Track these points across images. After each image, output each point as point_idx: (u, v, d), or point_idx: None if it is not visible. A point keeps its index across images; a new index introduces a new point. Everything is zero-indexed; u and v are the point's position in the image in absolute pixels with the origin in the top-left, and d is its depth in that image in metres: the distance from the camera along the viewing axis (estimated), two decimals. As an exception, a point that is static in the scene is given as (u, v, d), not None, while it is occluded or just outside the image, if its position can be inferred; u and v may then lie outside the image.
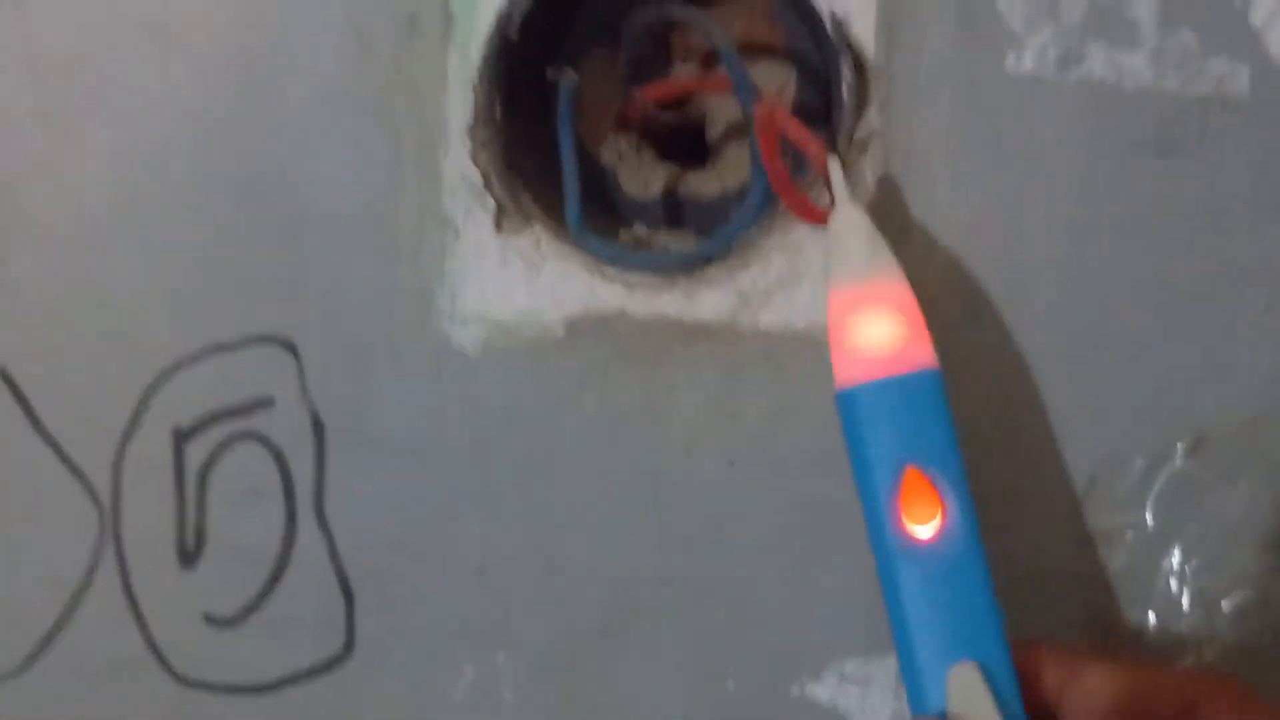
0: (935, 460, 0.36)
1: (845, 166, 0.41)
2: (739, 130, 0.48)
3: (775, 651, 0.44)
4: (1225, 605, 0.42)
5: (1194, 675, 0.36)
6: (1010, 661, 0.35)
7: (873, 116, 0.42)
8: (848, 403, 0.37)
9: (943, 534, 0.35)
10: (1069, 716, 0.36)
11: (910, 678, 0.35)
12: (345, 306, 0.44)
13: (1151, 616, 0.43)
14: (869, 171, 0.42)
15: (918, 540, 0.35)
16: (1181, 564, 0.42)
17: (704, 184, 0.48)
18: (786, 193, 0.38)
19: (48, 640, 0.46)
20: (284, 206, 0.43)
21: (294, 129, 0.43)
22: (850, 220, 0.38)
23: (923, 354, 0.37)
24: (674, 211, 0.48)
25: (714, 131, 0.48)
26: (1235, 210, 0.41)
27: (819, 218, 0.39)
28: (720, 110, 0.48)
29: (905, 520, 0.35)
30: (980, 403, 0.42)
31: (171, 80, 0.43)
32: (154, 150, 0.44)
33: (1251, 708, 0.34)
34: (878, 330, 0.37)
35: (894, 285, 0.37)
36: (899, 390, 0.36)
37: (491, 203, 0.43)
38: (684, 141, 0.49)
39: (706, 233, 0.47)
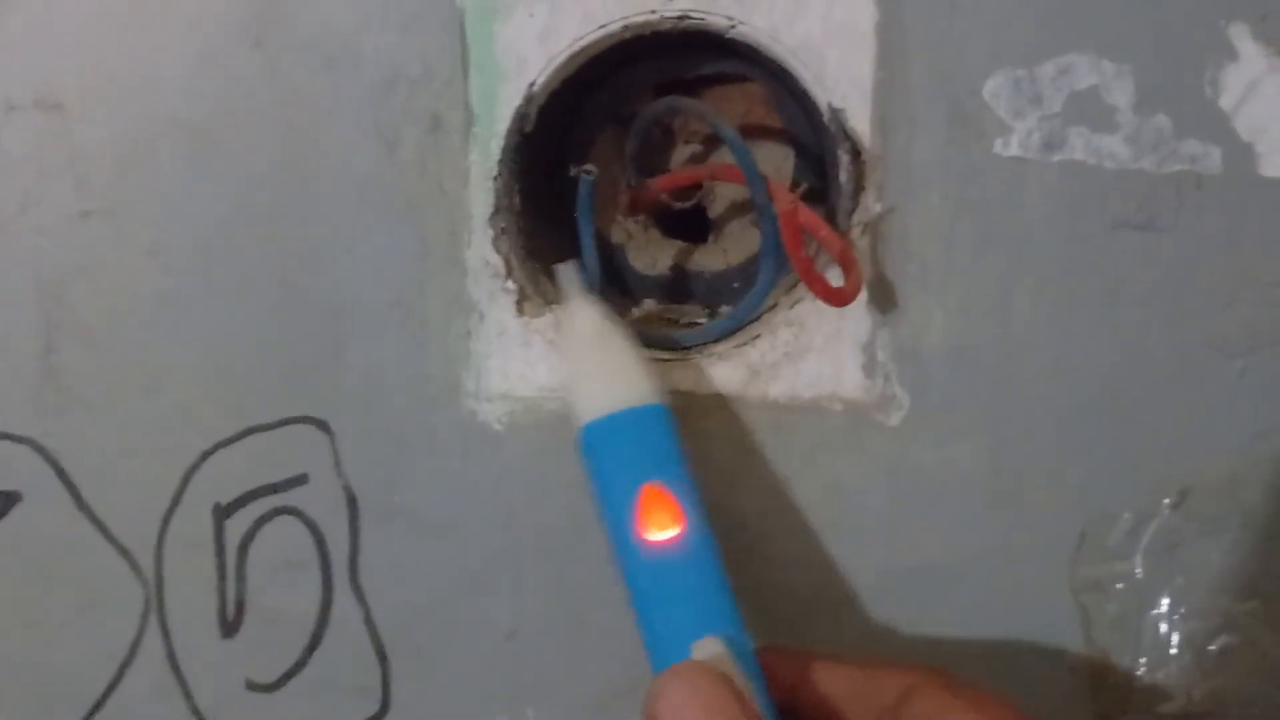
0: (668, 477, 0.40)
1: (849, 246, 0.44)
2: (739, 208, 0.51)
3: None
4: (1212, 649, 0.45)
5: (908, 666, 0.39)
6: (748, 644, 0.38)
7: (869, 200, 0.44)
8: (593, 432, 0.41)
9: (680, 539, 0.39)
10: (802, 708, 0.40)
11: (658, 662, 0.38)
12: (377, 387, 0.46)
13: (1143, 661, 0.46)
14: (867, 251, 0.44)
15: (657, 544, 0.39)
16: (1170, 611, 0.45)
17: (709, 259, 0.51)
18: (813, 281, 0.41)
19: (96, 708, 0.49)
20: (319, 297, 0.46)
21: (328, 225, 0.45)
22: (584, 306, 0.43)
23: (650, 392, 0.41)
24: (681, 286, 0.51)
25: (715, 209, 0.51)
26: (1211, 282, 0.43)
27: (841, 299, 0.42)
28: (721, 189, 0.51)
29: (646, 528, 0.39)
30: (977, 464, 0.45)
31: (212, 181, 0.45)
32: (195, 246, 0.46)
33: (960, 691, 0.38)
34: (612, 376, 0.42)
35: (622, 346, 0.42)
36: (633, 420, 0.41)
37: (513, 287, 0.46)
38: (688, 219, 0.51)
39: (713, 304, 0.50)
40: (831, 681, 0.40)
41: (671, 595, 0.39)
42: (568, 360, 0.44)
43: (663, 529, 0.39)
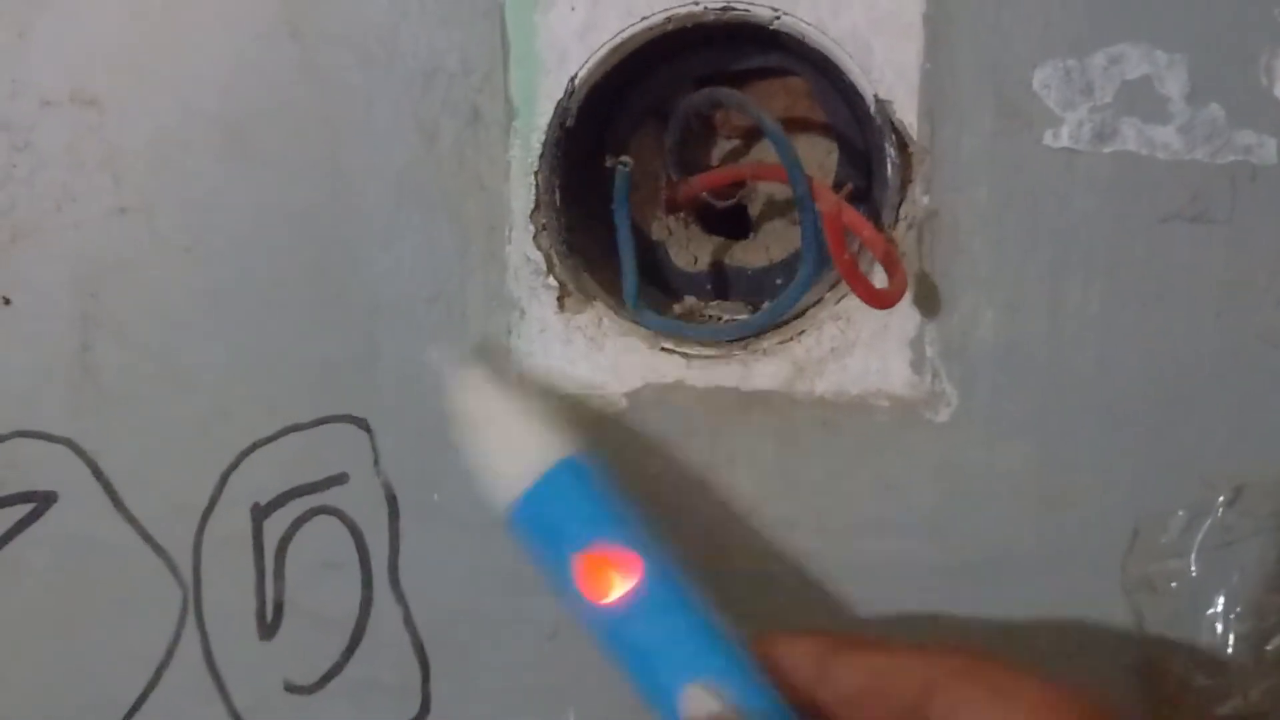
0: (600, 534, 0.38)
1: (893, 242, 0.43)
2: (781, 206, 0.50)
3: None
4: (1269, 648, 0.44)
5: (929, 654, 0.37)
6: (746, 668, 0.37)
7: (917, 194, 0.44)
8: (516, 517, 0.40)
9: (633, 593, 0.37)
10: (824, 706, 0.38)
11: (654, 714, 0.37)
12: (417, 385, 0.46)
13: (1198, 661, 0.45)
14: (914, 246, 0.44)
15: (615, 603, 0.37)
16: (1226, 610, 0.44)
17: (750, 255, 0.50)
18: (856, 282, 0.40)
19: (134, 711, 0.48)
20: (358, 293, 0.45)
21: (367, 221, 0.45)
22: (457, 384, 0.42)
23: (555, 448, 0.40)
24: (722, 282, 0.50)
25: (756, 207, 0.50)
26: (1264, 275, 0.43)
27: (885, 301, 0.41)
28: (763, 185, 0.50)
29: (595, 593, 0.38)
30: (1027, 461, 0.44)
31: (248, 177, 0.45)
32: (233, 244, 0.45)
33: (979, 678, 0.35)
34: (510, 448, 0.40)
35: (509, 408, 0.41)
36: (549, 487, 0.39)
37: (554, 283, 0.45)
38: (729, 216, 0.51)
39: (755, 301, 0.49)
40: (850, 676, 0.38)
41: (645, 650, 0.37)
42: (465, 447, 0.41)
43: (611, 589, 0.38)
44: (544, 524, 0.39)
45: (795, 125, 0.49)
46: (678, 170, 0.49)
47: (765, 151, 0.50)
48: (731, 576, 0.45)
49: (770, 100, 0.49)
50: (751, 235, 0.51)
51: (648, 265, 0.49)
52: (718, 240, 0.50)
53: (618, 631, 0.38)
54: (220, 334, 0.46)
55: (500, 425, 0.40)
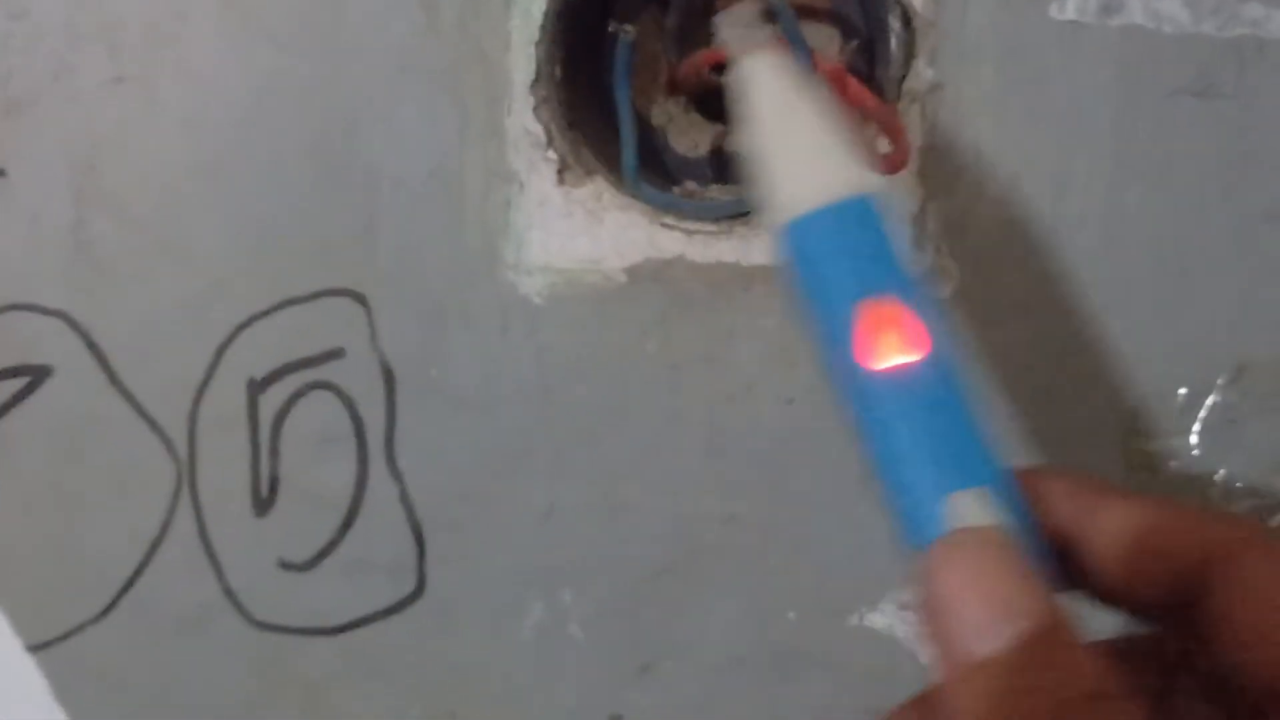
0: (900, 289, 0.30)
1: (895, 114, 0.43)
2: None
3: (834, 583, 0.45)
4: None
5: (1217, 518, 0.31)
6: (1013, 488, 0.29)
7: (921, 68, 0.43)
8: (799, 232, 0.31)
9: (919, 366, 0.29)
10: (1086, 554, 0.30)
11: (905, 515, 0.29)
12: (415, 259, 0.45)
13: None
14: (917, 121, 0.43)
15: (892, 371, 0.29)
16: (1226, 489, 0.44)
17: (751, 141, 0.50)
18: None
19: (127, 587, 0.48)
20: (356, 167, 0.45)
21: (366, 93, 0.44)
22: (765, 64, 0.33)
23: (864, 179, 0.31)
24: (722, 168, 0.50)
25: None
26: (1271, 152, 0.42)
27: (889, 166, 0.41)
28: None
29: (877, 353, 0.29)
30: (1028, 336, 0.44)
31: (246, 49, 0.45)
32: (230, 116, 0.45)
33: (1277, 553, 0.29)
34: (814, 161, 0.31)
35: (822, 118, 0.32)
36: (849, 216, 0.30)
37: (554, 156, 0.45)
38: (726, 102, 0.50)
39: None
40: (1123, 523, 0.30)
41: (913, 435, 0.29)
42: (753, 143, 0.32)
43: (890, 354, 0.29)
44: (832, 254, 0.30)
45: (799, 12, 0.48)
46: (678, 54, 0.48)
47: (768, 36, 0.49)
48: (731, 451, 0.44)
49: (772, -17, 0.48)
50: (753, 123, 0.50)
51: (648, 151, 0.49)
52: (718, 126, 0.50)
53: (883, 407, 0.29)
54: (217, 207, 0.46)
55: (802, 131, 0.31)
